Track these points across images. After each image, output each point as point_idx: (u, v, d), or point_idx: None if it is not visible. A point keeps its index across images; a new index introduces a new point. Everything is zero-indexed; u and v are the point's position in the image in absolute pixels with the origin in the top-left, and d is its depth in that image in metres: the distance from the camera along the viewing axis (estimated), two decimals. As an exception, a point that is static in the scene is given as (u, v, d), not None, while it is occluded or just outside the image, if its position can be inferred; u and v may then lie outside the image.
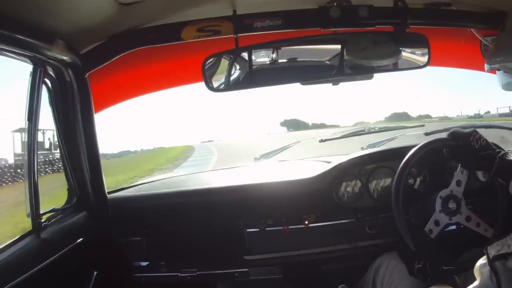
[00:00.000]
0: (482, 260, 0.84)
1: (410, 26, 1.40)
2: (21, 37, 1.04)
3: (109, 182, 1.61)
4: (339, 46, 1.42)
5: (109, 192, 1.73)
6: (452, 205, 1.48)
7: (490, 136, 1.47)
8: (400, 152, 1.62)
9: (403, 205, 1.47)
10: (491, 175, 1.40)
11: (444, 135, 1.55)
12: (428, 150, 1.52)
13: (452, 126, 2.25)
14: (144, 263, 1.75)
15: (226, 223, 1.77)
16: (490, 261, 0.79)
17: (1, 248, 1.16)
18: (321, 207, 1.73)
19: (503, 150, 1.41)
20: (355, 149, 2.04)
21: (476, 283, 0.82)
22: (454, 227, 1.52)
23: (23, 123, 1.25)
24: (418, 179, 1.70)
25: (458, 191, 1.49)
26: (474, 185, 1.61)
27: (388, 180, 1.71)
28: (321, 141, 2.30)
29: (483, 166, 1.43)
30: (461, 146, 1.43)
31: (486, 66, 1.40)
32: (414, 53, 1.45)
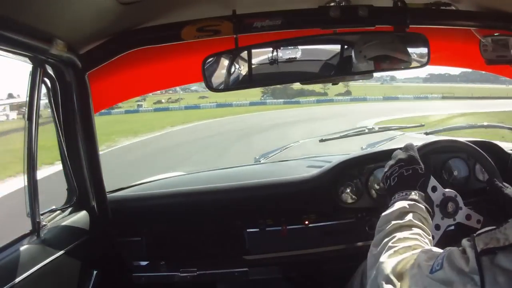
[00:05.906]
0: (466, 244, 0.72)
1: (410, 26, 1.39)
2: (21, 37, 1.03)
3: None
4: (338, 46, 1.43)
5: (109, 192, 1.73)
6: (451, 206, 1.47)
7: (490, 136, 1.46)
8: None
9: None
10: None
11: (442, 136, 1.55)
12: (429, 150, 1.52)
13: (452, 127, 2.26)
14: (144, 263, 1.75)
15: (226, 223, 1.76)
16: (478, 255, 0.69)
17: (1, 248, 1.16)
18: (321, 207, 1.73)
19: None
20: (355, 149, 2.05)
21: (447, 274, 0.70)
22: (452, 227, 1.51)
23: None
24: None
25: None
26: (474, 185, 1.60)
27: None
28: (321, 140, 2.30)
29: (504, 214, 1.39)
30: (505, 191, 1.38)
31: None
32: (413, 53, 1.45)
